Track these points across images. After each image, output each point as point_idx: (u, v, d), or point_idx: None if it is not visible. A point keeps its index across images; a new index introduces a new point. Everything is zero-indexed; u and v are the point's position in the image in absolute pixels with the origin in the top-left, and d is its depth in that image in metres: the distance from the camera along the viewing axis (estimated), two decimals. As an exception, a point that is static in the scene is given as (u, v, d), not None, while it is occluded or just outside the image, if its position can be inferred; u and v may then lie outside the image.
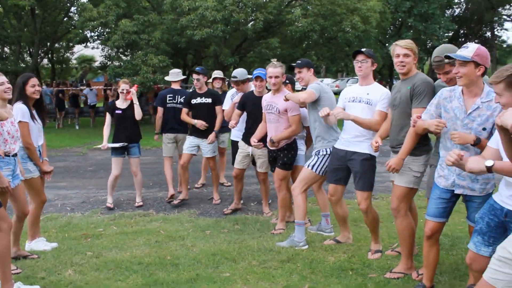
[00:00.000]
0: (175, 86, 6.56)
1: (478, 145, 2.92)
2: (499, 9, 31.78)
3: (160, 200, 6.36)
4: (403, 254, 3.77)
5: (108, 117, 6.05)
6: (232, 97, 6.09)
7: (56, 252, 4.32)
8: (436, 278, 3.52)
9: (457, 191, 3.12)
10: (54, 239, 4.64)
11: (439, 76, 3.65)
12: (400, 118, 3.67)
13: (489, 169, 2.33)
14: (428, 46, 24.99)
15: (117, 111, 5.97)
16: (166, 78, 6.83)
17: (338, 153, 4.19)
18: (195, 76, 6.15)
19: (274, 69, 4.75)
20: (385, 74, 28.85)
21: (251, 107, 5.41)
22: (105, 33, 13.66)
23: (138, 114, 5.99)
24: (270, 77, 4.78)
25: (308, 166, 4.45)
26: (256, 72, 5.41)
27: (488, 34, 32.27)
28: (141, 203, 6.11)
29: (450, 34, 28.76)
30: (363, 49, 4.08)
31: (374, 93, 3.98)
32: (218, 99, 6.22)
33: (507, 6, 31.73)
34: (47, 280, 3.69)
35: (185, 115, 6.21)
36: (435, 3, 21.73)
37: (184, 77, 7.15)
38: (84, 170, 8.58)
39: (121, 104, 6.01)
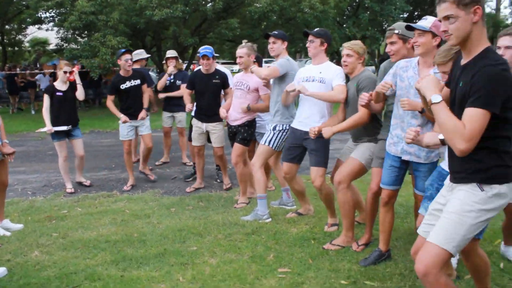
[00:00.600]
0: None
1: (424, 113, 3.13)
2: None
3: (123, 181, 6.36)
4: (344, 226, 3.95)
5: (47, 99, 5.80)
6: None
7: (20, 234, 4.30)
8: (392, 243, 3.78)
9: (404, 157, 3.33)
10: (17, 223, 4.60)
11: (387, 50, 3.83)
12: (353, 115, 3.88)
13: (442, 142, 2.53)
14: (384, 27, 25.57)
15: (57, 93, 5.80)
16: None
17: (295, 132, 4.34)
18: (128, 56, 5.97)
19: (240, 49, 5.01)
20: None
21: (201, 85, 5.60)
22: (60, 14, 13.15)
23: (81, 94, 5.94)
24: (237, 56, 5.05)
25: (265, 141, 4.60)
26: (202, 50, 5.57)
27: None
28: (88, 182, 6.15)
29: (405, 15, 29.45)
30: (310, 31, 4.22)
31: (327, 72, 4.13)
32: (145, 78, 6.23)
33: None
34: (13, 262, 3.69)
35: (110, 103, 6.04)
36: (391, -15, 22.19)
37: (149, 55, 7.12)
38: (44, 155, 8.40)
39: (61, 86, 5.85)
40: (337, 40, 19.47)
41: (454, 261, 3.43)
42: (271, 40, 4.65)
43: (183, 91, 5.96)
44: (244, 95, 5.06)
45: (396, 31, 3.55)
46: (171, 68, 6.79)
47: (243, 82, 5.07)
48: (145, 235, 4.17)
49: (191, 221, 4.55)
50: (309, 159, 4.28)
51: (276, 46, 4.62)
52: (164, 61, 7.09)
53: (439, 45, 3.19)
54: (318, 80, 4.15)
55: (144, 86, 6.15)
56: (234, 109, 5.16)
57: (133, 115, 6.01)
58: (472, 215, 2.12)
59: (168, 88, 6.92)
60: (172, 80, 6.89)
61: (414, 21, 33.32)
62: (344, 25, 23.46)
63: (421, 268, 2.16)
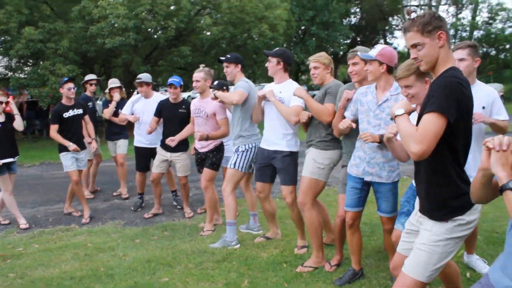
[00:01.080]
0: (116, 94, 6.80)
1: (382, 143, 3.26)
2: (390, 19, 34.75)
3: (81, 213, 6.10)
4: (313, 247, 3.99)
5: None
6: (135, 102, 6.19)
7: (-28, 277, 3.99)
8: (362, 262, 3.84)
9: (366, 178, 3.43)
10: (-33, 264, 4.27)
11: (350, 70, 3.99)
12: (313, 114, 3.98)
13: None
14: (329, 52, 26.60)
15: None
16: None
17: (263, 152, 4.39)
18: (71, 85, 5.82)
19: (197, 73, 5.05)
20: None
21: (167, 114, 5.62)
22: (5, 42, 12.59)
23: (19, 125, 5.69)
24: (193, 80, 5.08)
25: (231, 165, 4.60)
26: (170, 80, 5.65)
27: (382, 41, 35.05)
28: (7, 222, 5.77)
29: (349, 41, 30.82)
30: (268, 51, 4.33)
31: (286, 90, 4.22)
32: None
33: (396, 18, 34.87)
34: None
35: (55, 133, 5.72)
36: (335, 12, 23.22)
37: (121, 85, 7.00)
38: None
39: None
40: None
41: None
42: (224, 65, 4.71)
43: (152, 120, 5.79)
44: (204, 122, 5.08)
45: (358, 53, 3.72)
46: (117, 96, 6.76)
47: (201, 109, 5.08)
48: (112, 268, 4.00)
49: (158, 252, 4.42)
50: (279, 177, 4.32)
51: (230, 70, 4.66)
52: (107, 91, 7.01)
53: (389, 71, 3.37)
54: (277, 99, 4.23)
55: (86, 117, 6.11)
56: (197, 137, 5.14)
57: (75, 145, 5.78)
58: (441, 244, 2.17)
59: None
60: (114, 109, 6.78)
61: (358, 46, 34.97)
62: (292, 51, 24.15)
63: None
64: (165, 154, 5.66)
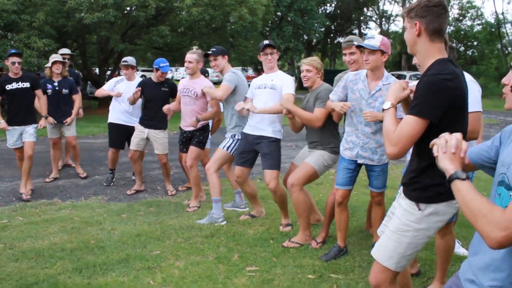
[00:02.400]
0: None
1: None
2: (364, 10, 35.16)
3: (62, 188, 6.07)
4: (301, 226, 4.15)
5: None
6: (117, 82, 6.18)
7: (-42, 246, 3.96)
8: (346, 240, 4.03)
9: (359, 161, 3.64)
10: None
11: (344, 59, 4.15)
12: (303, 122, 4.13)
13: None
14: (304, 40, 26.82)
15: None
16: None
17: (247, 137, 4.51)
18: (16, 59, 5.51)
19: (190, 54, 5.09)
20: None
21: (150, 93, 5.69)
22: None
23: None
24: (185, 61, 5.11)
25: (224, 147, 4.70)
26: (162, 65, 5.68)
27: (356, 31, 35.50)
28: None
29: (323, 29, 31.06)
30: (269, 42, 4.44)
31: (277, 79, 4.38)
32: (36, 81, 5.80)
33: (370, 8, 35.29)
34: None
35: None
36: (312, 0, 23.33)
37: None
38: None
39: None
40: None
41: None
42: (211, 58, 4.78)
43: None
44: (192, 101, 5.14)
45: (355, 43, 3.86)
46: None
47: (190, 89, 5.14)
48: (102, 241, 4.05)
49: (146, 226, 4.49)
50: (262, 162, 4.45)
51: (218, 62, 4.76)
52: (49, 65, 6.33)
53: (386, 61, 3.54)
54: (269, 87, 4.36)
55: (38, 92, 5.76)
56: (186, 116, 5.21)
57: (15, 121, 5.58)
58: (409, 235, 2.15)
59: (52, 97, 6.23)
60: (57, 88, 6.29)
61: (331, 35, 35.28)
62: (268, 36, 24.17)
63: (373, 280, 2.26)
64: (143, 130, 5.72)
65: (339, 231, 3.87)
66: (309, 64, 4.08)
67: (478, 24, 29.79)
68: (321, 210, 4.96)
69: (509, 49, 30.70)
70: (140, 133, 5.75)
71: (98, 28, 13.09)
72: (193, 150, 5.18)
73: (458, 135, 1.55)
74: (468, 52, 30.64)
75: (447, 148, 1.53)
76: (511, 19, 28.81)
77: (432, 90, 1.98)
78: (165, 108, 5.29)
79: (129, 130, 6.05)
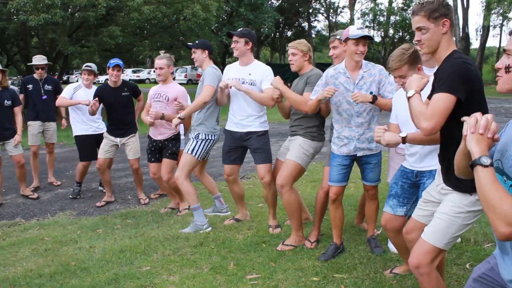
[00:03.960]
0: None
1: (376, 101, 3.35)
2: (313, 3, 35.56)
3: (23, 206, 5.60)
4: (293, 227, 4.00)
5: None
6: (75, 90, 5.81)
7: None
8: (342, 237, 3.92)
9: (359, 154, 3.56)
10: None
11: (330, 54, 4.03)
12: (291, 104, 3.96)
13: (404, 140, 2.69)
14: (257, 34, 26.70)
15: None
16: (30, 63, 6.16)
17: (233, 135, 4.32)
18: None
19: (159, 60, 4.83)
20: (218, 62, 29.84)
21: (110, 100, 5.37)
22: None
23: None
24: (156, 68, 4.86)
25: (188, 150, 4.44)
26: (114, 61, 5.36)
27: (306, 24, 35.89)
28: None
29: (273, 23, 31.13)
30: (234, 31, 4.22)
31: (256, 72, 4.17)
32: None
33: (319, 1, 35.75)
34: None
35: None
36: (263, -6, 23.27)
37: (50, 63, 6.36)
38: None
39: None
40: (214, 47, 19.75)
41: None
42: (192, 51, 4.54)
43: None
44: (164, 106, 4.87)
45: (338, 37, 3.75)
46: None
47: (161, 93, 4.88)
48: (84, 262, 3.71)
49: (128, 241, 4.18)
50: (254, 158, 4.29)
51: (197, 56, 4.50)
52: None
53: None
54: (248, 83, 4.17)
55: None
56: (156, 123, 4.95)
57: None
58: (461, 216, 2.28)
59: None
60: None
61: (280, 29, 35.41)
62: (219, 33, 23.89)
63: (414, 261, 2.32)
64: (114, 139, 5.45)
65: (335, 228, 3.75)
66: (294, 47, 3.91)
67: (421, 13, 30.76)
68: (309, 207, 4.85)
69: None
70: (110, 141, 5.45)
71: (42, 31, 12.29)
72: (167, 163, 4.92)
73: (489, 116, 1.56)
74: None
75: (475, 128, 1.54)
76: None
77: (457, 71, 2.16)
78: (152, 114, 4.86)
79: (98, 138, 5.69)
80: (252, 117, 4.22)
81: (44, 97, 6.22)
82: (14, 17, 10.91)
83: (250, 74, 4.17)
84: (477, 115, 1.57)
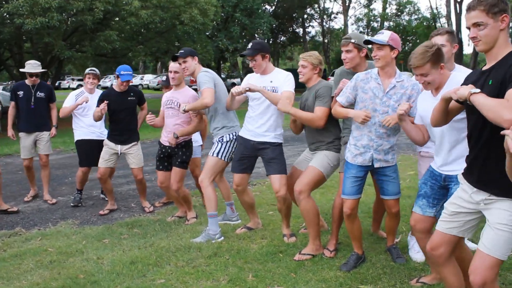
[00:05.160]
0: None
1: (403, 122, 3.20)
2: (308, 9, 35.63)
3: (22, 215, 5.39)
4: (310, 235, 3.85)
5: None
6: (77, 96, 5.63)
7: None
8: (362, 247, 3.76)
9: (376, 165, 3.40)
10: None
11: (343, 57, 3.89)
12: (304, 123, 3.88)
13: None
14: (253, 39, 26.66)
15: None
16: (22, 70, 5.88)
17: (246, 143, 4.18)
18: None
19: (174, 64, 4.67)
20: (213, 67, 29.69)
21: (115, 104, 5.21)
22: None
23: None
24: (170, 71, 4.71)
25: (213, 154, 4.32)
26: (124, 74, 5.20)
27: (300, 30, 35.92)
28: None
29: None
30: (247, 52, 4.06)
31: (277, 79, 4.06)
32: None
33: (314, 7, 35.82)
34: None
35: None
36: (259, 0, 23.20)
37: (44, 70, 6.13)
38: None
39: None
40: (210, 52, 19.61)
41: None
42: (180, 61, 4.40)
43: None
44: (176, 113, 4.73)
45: (352, 40, 3.61)
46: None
47: (173, 100, 4.73)
48: (93, 274, 3.52)
49: (137, 252, 3.99)
50: (268, 168, 4.13)
51: (188, 64, 4.36)
52: None
53: (396, 57, 3.32)
54: (270, 90, 4.04)
55: None
56: (166, 130, 4.82)
57: None
58: None
59: None
60: None
61: (274, 34, 35.43)
62: (214, 38, 23.77)
63: (479, 279, 2.20)
64: (115, 147, 5.27)
65: (354, 240, 3.61)
66: (305, 60, 3.82)
67: (416, 19, 31.03)
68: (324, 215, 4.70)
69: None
70: (111, 150, 5.28)
71: (37, 35, 12.03)
72: (177, 172, 4.74)
73: None
74: (407, 45, 31.90)
75: None
76: (445, 13, 30.13)
77: None
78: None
79: (100, 144, 5.50)
80: (269, 127, 4.09)
81: (32, 106, 5.75)
82: (8, 21, 10.66)
83: (271, 81, 4.06)
84: None
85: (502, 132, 1.68)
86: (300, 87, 5.41)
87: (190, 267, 3.62)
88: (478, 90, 2.12)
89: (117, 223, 4.99)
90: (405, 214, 4.42)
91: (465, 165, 2.49)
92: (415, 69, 2.77)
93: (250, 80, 4.20)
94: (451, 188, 2.79)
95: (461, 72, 3.47)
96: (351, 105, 3.48)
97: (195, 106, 4.27)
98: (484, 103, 2.07)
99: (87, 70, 5.75)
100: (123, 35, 14.10)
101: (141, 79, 39.42)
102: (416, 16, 31.04)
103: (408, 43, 31.70)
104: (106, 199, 5.67)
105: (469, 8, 2.21)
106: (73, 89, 39.61)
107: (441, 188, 2.87)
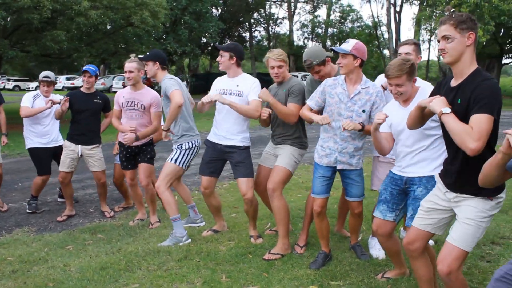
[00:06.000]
0: None
1: (365, 128, 3.40)
2: (254, 13, 36.00)
3: None
4: (280, 234, 3.98)
5: None
6: (34, 98, 5.43)
7: None
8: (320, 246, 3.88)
9: (338, 167, 3.58)
10: None
11: (316, 78, 4.05)
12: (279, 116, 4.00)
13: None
14: (201, 43, 26.55)
15: None
16: None
17: (214, 146, 4.23)
18: None
19: (129, 63, 4.66)
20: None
21: (80, 105, 5.12)
22: None
23: None
24: (125, 71, 4.69)
25: (171, 160, 4.33)
26: (86, 67, 5.21)
27: (247, 34, 36.20)
28: None
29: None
30: (220, 45, 4.19)
31: (244, 84, 4.14)
32: None
33: (260, 12, 36.23)
34: None
35: None
36: (207, 3, 23.14)
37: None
38: None
39: None
40: (159, 55, 19.33)
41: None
42: (145, 63, 4.42)
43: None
44: (140, 115, 4.73)
45: (314, 62, 3.78)
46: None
47: (136, 101, 4.70)
48: (62, 282, 3.43)
49: (105, 257, 3.93)
50: (235, 172, 4.21)
51: (149, 68, 4.38)
52: None
53: (361, 65, 3.53)
54: (235, 94, 4.12)
55: None
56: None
57: None
58: (486, 221, 2.44)
59: None
60: None
61: (223, 38, 35.52)
62: (161, 41, 23.45)
63: (446, 269, 2.41)
64: (75, 148, 5.15)
65: (322, 239, 3.78)
66: (280, 60, 3.92)
67: (358, 27, 32.27)
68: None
69: (385, 51, 33.86)
70: (71, 151, 5.15)
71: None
72: (145, 167, 4.78)
73: None
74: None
75: None
76: (385, 22, 31.58)
77: (495, 92, 2.30)
78: (127, 138, 4.55)
79: (56, 150, 5.35)
80: (235, 131, 4.16)
81: None
82: None
83: (237, 85, 4.13)
84: None
85: (504, 131, 1.85)
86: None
87: (162, 271, 3.63)
88: (449, 111, 2.33)
89: (79, 229, 4.87)
90: (365, 214, 4.64)
91: (426, 168, 2.88)
92: (392, 80, 2.94)
93: (218, 83, 4.27)
94: (413, 191, 3.00)
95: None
96: (321, 109, 3.65)
97: (171, 116, 4.15)
98: (452, 127, 2.29)
99: (40, 76, 5.47)
100: (69, 35, 13.61)
101: (83, 80, 37.92)
102: (358, 24, 32.47)
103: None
104: (64, 201, 5.50)
105: (441, 22, 2.42)
106: (10, 90, 37.67)
107: (400, 193, 3.09)
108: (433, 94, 2.64)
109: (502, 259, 3.79)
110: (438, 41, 2.44)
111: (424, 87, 3.09)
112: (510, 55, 25.34)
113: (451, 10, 2.40)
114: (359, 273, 3.51)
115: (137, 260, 3.85)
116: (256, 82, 4.19)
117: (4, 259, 3.97)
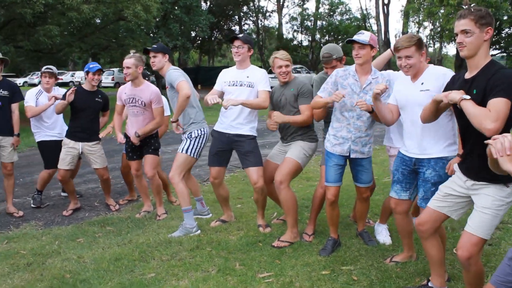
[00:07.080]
0: None
1: (373, 113, 3.51)
2: (244, 7, 35.91)
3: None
4: (289, 224, 4.07)
5: None
6: (37, 96, 5.45)
7: None
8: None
9: (352, 156, 3.69)
10: None
11: (325, 70, 4.16)
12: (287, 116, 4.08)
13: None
14: (191, 37, 26.43)
15: None
16: None
17: (221, 136, 4.30)
18: None
19: (127, 59, 4.72)
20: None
21: (81, 102, 5.14)
22: None
23: None
24: (124, 67, 4.74)
25: (182, 150, 4.38)
26: (92, 66, 5.20)
27: (237, 27, 36.09)
28: None
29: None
30: (239, 35, 4.26)
31: (253, 75, 4.22)
32: None
33: (250, 5, 36.15)
34: None
35: None
36: (198, -4, 23.09)
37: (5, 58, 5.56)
38: None
39: None
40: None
41: None
42: (151, 54, 4.47)
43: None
44: (141, 111, 4.80)
45: (334, 57, 3.93)
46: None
47: (136, 98, 4.76)
48: (79, 273, 3.49)
49: (118, 249, 4.00)
50: (244, 161, 4.28)
51: (157, 60, 4.43)
52: None
53: (374, 57, 3.64)
54: (246, 85, 4.19)
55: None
56: (133, 127, 4.86)
57: None
58: (503, 208, 2.51)
59: None
60: None
61: (212, 31, 35.40)
62: (153, 35, 23.32)
63: (466, 254, 2.52)
64: (75, 145, 5.15)
65: (332, 225, 3.88)
66: (288, 59, 4.03)
67: (347, 19, 32.39)
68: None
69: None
70: (72, 149, 5.14)
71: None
72: (151, 159, 4.84)
73: (509, 136, 1.85)
74: (339, 44, 33.23)
75: (504, 151, 1.84)
76: (374, 14, 31.75)
77: (510, 78, 2.38)
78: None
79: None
80: (244, 120, 4.23)
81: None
82: None
83: (248, 76, 4.20)
84: (500, 139, 1.86)
85: (485, 142, 1.95)
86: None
87: (176, 260, 3.70)
88: (469, 97, 2.42)
89: (86, 222, 4.92)
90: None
91: (433, 149, 2.99)
92: (401, 51, 3.00)
93: (227, 75, 4.32)
94: (421, 172, 3.10)
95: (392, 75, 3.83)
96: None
97: (180, 107, 4.19)
98: (470, 110, 2.38)
99: (43, 69, 5.53)
100: (61, 29, 13.49)
101: (72, 75, 37.53)
102: (347, 16, 32.64)
103: (339, 42, 33.12)
104: (67, 195, 5.54)
105: (460, 16, 2.49)
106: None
107: (411, 173, 3.19)
108: (447, 88, 2.73)
109: (503, 242, 3.93)
110: (456, 34, 2.52)
111: (433, 67, 3.12)
112: (497, 47, 25.65)
113: (471, 5, 2.48)
114: (368, 258, 3.63)
115: (149, 250, 3.91)
116: (265, 72, 4.27)
117: (17, 252, 4.02)
